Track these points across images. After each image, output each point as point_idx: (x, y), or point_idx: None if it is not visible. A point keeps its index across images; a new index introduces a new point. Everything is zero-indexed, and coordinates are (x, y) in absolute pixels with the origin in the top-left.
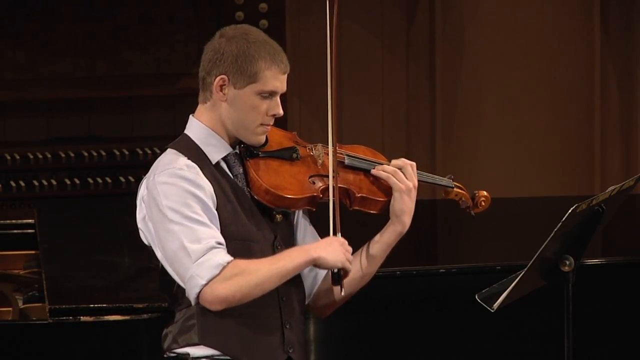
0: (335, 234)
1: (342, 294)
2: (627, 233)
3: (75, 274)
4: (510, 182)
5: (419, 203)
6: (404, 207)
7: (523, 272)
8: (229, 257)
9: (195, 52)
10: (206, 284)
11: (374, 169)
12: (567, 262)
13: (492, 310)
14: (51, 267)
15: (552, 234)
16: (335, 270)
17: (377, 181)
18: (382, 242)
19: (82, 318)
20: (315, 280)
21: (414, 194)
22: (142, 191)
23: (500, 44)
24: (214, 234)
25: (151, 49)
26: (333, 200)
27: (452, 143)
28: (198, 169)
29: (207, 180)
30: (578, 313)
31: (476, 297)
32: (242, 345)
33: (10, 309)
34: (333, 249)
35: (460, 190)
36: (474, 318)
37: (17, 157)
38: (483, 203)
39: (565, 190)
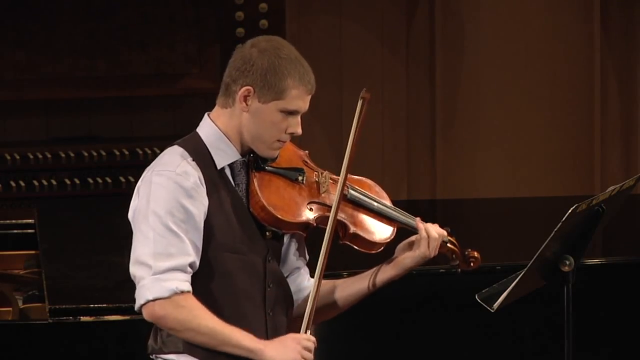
0: (305, 331)
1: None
2: (627, 233)
3: (75, 274)
4: (510, 182)
5: (418, 203)
6: (413, 266)
7: (523, 272)
8: (187, 288)
9: (195, 52)
10: (152, 301)
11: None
12: (567, 262)
13: (492, 310)
14: (51, 267)
15: (552, 234)
16: None
17: (375, 222)
18: (373, 284)
19: (82, 318)
20: (298, 298)
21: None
22: (140, 182)
23: (500, 44)
24: (187, 252)
25: (151, 49)
26: (314, 296)
27: (452, 143)
28: (197, 177)
29: (203, 191)
30: (578, 313)
31: (476, 297)
32: (224, 357)
33: (10, 309)
34: (284, 349)
35: (452, 247)
36: (474, 318)
37: (17, 157)
38: (472, 264)
39: (565, 190)
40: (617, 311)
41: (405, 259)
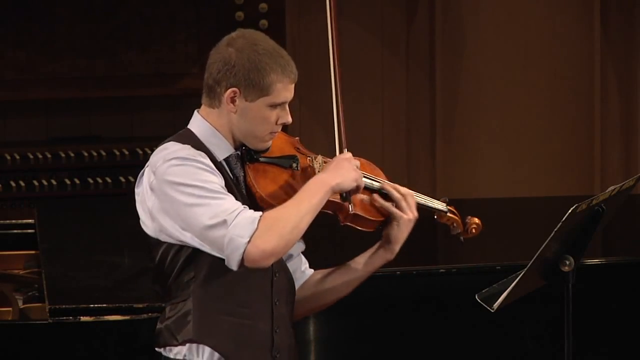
0: (341, 151)
1: (352, 210)
2: (627, 233)
3: (75, 274)
4: (510, 182)
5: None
6: (401, 236)
7: (523, 272)
8: (258, 213)
9: (195, 52)
10: (249, 241)
11: (386, 185)
12: (567, 262)
13: (492, 310)
14: (51, 267)
15: (552, 234)
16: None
17: (371, 200)
18: (368, 264)
19: (82, 318)
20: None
21: (412, 225)
22: (148, 178)
23: (500, 44)
24: (235, 200)
25: (151, 49)
26: (337, 117)
27: (452, 143)
28: (208, 159)
29: (217, 171)
30: (578, 313)
31: (476, 297)
32: (233, 345)
33: (10, 309)
34: (346, 170)
35: (453, 216)
36: (474, 318)
37: (17, 157)
38: (474, 230)
39: (565, 190)
40: (617, 311)
41: (390, 231)
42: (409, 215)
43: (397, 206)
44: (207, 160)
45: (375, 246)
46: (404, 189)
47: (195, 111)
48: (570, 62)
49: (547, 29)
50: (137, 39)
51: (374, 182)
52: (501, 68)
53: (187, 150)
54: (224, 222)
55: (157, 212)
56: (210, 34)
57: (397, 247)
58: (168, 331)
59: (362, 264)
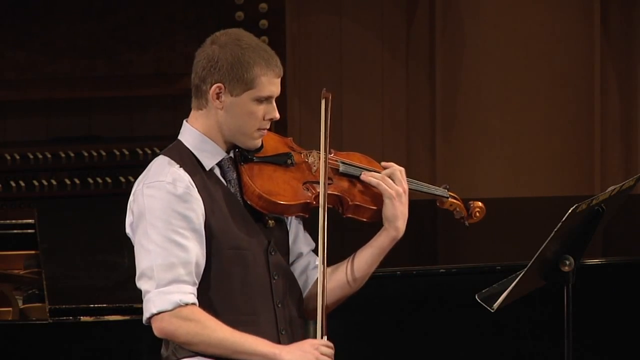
0: (322, 336)
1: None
2: (627, 233)
3: (75, 274)
4: (510, 182)
5: (419, 203)
6: (396, 212)
7: (523, 272)
8: (191, 300)
9: (195, 52)
10: (156, 314)
11: (363, 175)
12: (567, 262)
13: (492, 310)
14: (51, 267)
15: (552, 234)
16: None
17: (370, 189)
18: (375, 247)
19: (82, 318)
20: (305, 283)
21: (404, 198)
22: (131, 197)
23: (500, 44)
24: (189, 259)
25: (151, 49)
26: (321, 301)
27: (452, 143)
28: (188, 181)
29: (197, 194)
30: (578, 313)
31: (476, 297)
32: None
33: (10, 309)
34: (302, 353)
35: (455, 201)
36: (474, 318)
37: (17, 157)
38: (477, 214)
39: (565, 190)
40: (617, 311)
41: (384, 210)
42: (397, 189)
43: (384, 184)
44: (187, 185)
45: (381, 230)
46: (389, 169)
47: (184, 121)
48: (570, 62)
49: (547, 29)
50: (137, 39)
51: (366, 170)
52: (501, 68)
53: (169, 174)
54: (153, 281)
55: (131, 230)
56: (210, 34)
57: (399, 224)
58: (171, 348)
59: (371, 249)
